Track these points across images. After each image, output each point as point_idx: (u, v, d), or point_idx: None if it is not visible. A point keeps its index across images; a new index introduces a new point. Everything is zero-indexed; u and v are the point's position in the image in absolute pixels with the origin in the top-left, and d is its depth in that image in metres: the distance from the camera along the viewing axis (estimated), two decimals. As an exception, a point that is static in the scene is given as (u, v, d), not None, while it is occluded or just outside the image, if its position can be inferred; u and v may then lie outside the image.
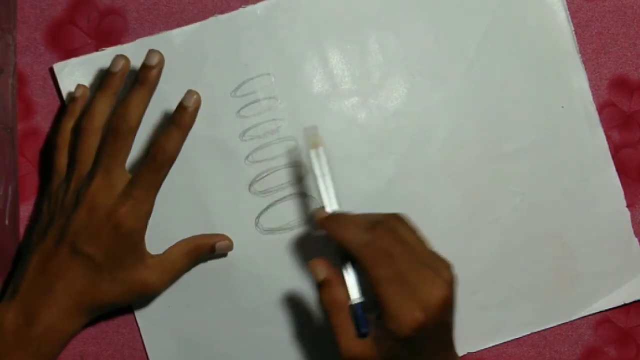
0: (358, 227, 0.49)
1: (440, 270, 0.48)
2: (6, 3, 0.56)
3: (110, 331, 0.58)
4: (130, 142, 0.52)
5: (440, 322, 0.47)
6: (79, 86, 0.56)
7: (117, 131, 0.51)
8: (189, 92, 0.52)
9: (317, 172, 0.51)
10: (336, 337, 0.48)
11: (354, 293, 0.49)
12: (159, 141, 0.51)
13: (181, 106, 0.52)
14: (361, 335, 0.48)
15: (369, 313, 0.48)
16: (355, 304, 0.48)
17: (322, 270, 0.49)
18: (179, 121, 0.51)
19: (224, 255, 0.57)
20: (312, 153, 0.52)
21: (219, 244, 0.56)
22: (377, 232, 0.48)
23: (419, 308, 0.46)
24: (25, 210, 0.57)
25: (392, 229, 0.49)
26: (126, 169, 0.52)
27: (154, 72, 0.52)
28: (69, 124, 0.55)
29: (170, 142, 0.51)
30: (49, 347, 0.51)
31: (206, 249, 0.55)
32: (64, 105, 0.57)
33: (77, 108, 0.55)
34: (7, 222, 0.55)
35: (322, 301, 0.49)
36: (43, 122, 0.57)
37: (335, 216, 0.51)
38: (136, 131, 0.52)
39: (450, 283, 0.48)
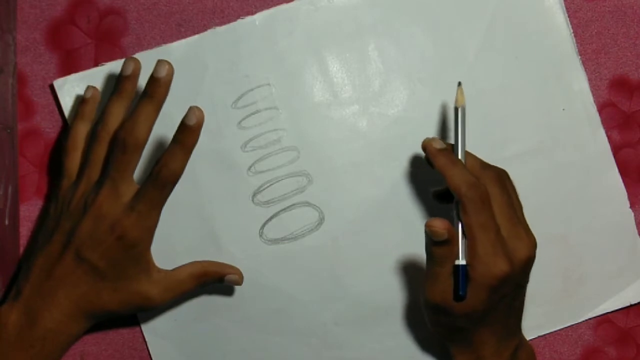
0: (466, 169, 0.50)
1: (529, 232, 0.51)
2: (6, 3, 0.55)
3: (110, 331, 0.58)
4: (138, 156, 0.50)
5: (519, 283, 0.51)
6: (88, 87, 0.55)
7: (125, 145, 0.49)
8: (191, 110, 0.48)
9: (460, 125, 0.52)
10: (432, 281, 0.50)
11: (462, 256, 0.50)
12: (163, 159, 0.49)
13: (184, 124, 0.48)
14: (459, 297, 0.49)
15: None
16: (462, 266, 0.49)
17: (444, 232, 0.49)
18: (182, 140, 0.49)
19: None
20: (460, 109, 0.52)
21: (229, 277, 0.56)
22: (488, 174, 0.51)
23: (507, 260, 0.48)
24: (25, 210, 0.57)
25: (502, 178, 0.51)
26: (134, 180, 0.51)
27: (163, 84, 0.50)
28: (79, 127, 0.54)
29: (175, 161, 0.49)
30: (50, 348, 0.51)
31: (215, 278, 0.55)
32: (66, 123, 0.57)
33: (87, 110, 0.55)
34: (7, 222, 0.55)
35: (435, 254, 0.50)
36: (43, 122, 0.57)
37: (448, 152, 0.51)
38: (144, 145, 0.50)
39: (535, 247, 0.51)
